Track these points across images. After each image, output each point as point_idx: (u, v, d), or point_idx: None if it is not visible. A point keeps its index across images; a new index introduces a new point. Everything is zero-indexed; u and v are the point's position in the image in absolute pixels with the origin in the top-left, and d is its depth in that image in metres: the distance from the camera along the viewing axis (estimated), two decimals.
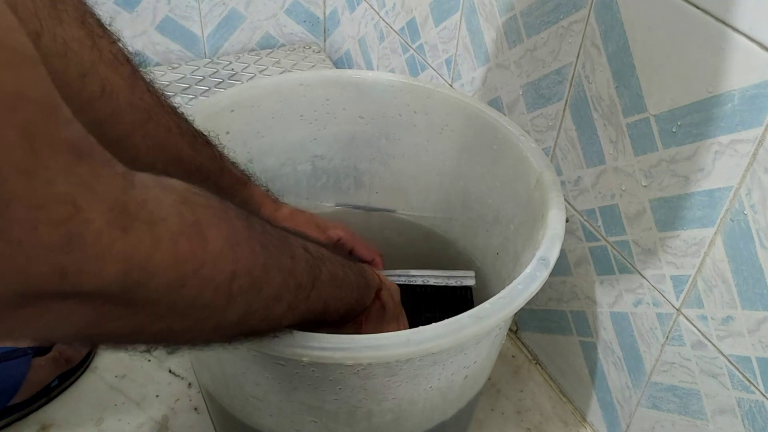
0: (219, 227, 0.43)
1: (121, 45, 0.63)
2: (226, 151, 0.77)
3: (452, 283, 0.90)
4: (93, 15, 0.60)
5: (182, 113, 0.72)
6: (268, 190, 0.83)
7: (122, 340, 0.43)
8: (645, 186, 0.76)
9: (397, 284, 0.77)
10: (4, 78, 0.29)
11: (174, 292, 0.40)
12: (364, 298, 0.67)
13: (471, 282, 0.90)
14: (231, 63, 1.62)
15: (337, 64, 1.69)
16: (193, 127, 0.72)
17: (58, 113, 0.32)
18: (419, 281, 0.90)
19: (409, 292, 0.86)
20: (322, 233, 0.86)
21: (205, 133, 0.74)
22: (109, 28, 0.62)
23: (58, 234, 0.31)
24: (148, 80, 0.66)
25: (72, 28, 0.57)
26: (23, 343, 0.94)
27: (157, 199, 0.38)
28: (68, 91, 0.56)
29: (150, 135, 0.66)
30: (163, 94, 0.69)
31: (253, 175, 0.81)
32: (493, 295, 0.63)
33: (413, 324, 0.85)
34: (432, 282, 0.90)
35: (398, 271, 0.89)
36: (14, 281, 0.31)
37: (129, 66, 0.63)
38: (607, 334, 0.89)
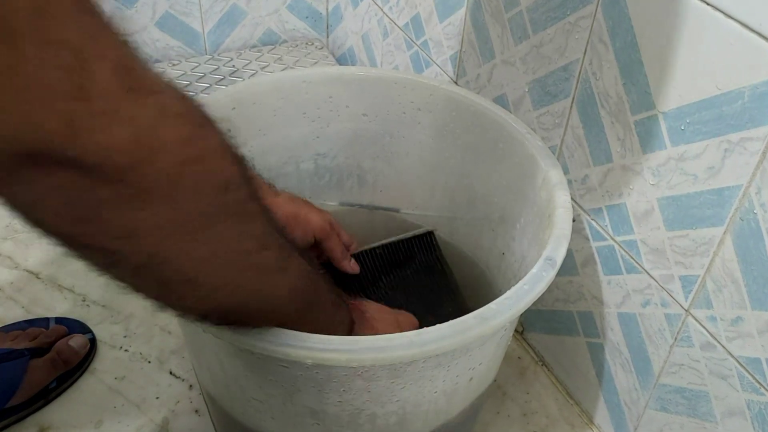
0: (215, 125, 0.44)
1: None
2: None
3: (415, 233, 0.99)
4: None
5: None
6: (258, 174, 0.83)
7: (111, 241, 0.42)
8: (653, 184, 0.76)
9: (369, 249, 0.88)
10: None
11: (175, 178, 0.40)
12: (341, 309, 0.68)
13: (430, 228, 1.00)
14: (232, 59, 1.62)
15: (340, 60, 1.69)
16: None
17: None
18: (386, 242, 0.98)
19: (381, 257, 0.96)
20: (304, 233, 0.85)
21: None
22: None
23: (67, 81, 0.32)
24: None
25: None
26: (21, 344, 0.95)
27: (157, 74, 0.39)
28: None
29: None
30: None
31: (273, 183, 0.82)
32: (499, 295, 0.63)
33: (399, 278, 0.89)
34: (396, 239, 0.98)
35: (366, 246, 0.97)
36: (25, 131, 0.32)
37: None
38: (614, 335, 0.89)
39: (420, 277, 0.98)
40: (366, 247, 0.96)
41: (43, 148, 0.33)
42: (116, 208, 0.39)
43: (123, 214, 0.40)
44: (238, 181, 0.46)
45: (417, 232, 0.99)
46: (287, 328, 0.58)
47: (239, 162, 0.47)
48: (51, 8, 0.31)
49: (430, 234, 1.00)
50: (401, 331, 0.76)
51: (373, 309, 0.77)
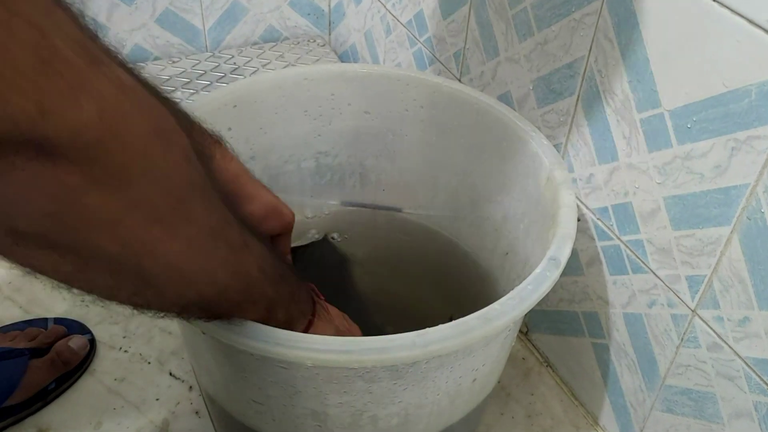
0: (165, 98, 0.45)
1: None
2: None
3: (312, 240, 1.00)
4: None
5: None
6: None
7: (94, 234, 0.41)
8: (659, 183, 0.76)
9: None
10: None
11: (144, 151, 0.39)
12: (300, 293, 0.67)
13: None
14: (233, 57, 1.62)
15: (342, 57, 1.69)
16: (147, 80, 0.71)
17: None
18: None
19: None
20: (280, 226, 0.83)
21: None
22: None
23: (32, 56, 0.31)
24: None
25: None
26: (20, 344, 0.95)
27: (109, 50, 0.39)
28: None
29: None
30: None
31: (223, 138, 0.78)
32: (503, 296, 0.63)
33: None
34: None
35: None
36: None
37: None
38: (620, 335, 0.89)
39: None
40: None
41: (8, 132, 0.32)
42: (87, 194, 0.38)
43: (95, 200, 0.38)
44: (190, 150, 0.45)
45: (312, 238, 1.00)
46: (263, 317, 0.58)
47: (186, 128, 0.47)
48: None
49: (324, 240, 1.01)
50: (347, 322, 0.76)
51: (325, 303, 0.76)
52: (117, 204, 0.39)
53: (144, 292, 0.47)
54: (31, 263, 0.42)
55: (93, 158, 0.36)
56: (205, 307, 0.54)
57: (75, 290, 0.44)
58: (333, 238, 1.01)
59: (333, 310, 0.75)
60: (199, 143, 0.73)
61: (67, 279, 0.43)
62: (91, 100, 0.35)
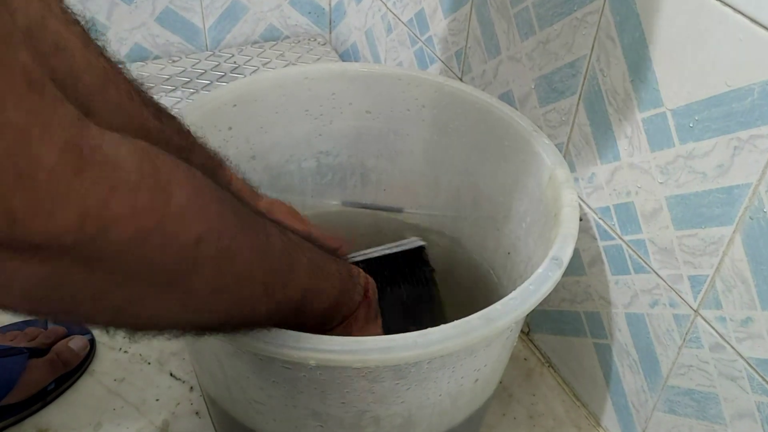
0: (183, 183, 0.42)
1: (68, 6, 0.59)
2: (225, 146, 0.77)
3: (406, 247, 0.94)
4: None
5: (141, 84, 0.68)
6: (244, 178, 0.81)
7: (83, 307, 0.41)
8: (661, 183, 0.77)
9: (357, 261, 0.81)
10: None
11: (134, 249, 0.38)
12: (349, 294, 0.67)
13: (421, 243, 0.95)
14: (233, 56, 1.62)
15: (343, 56, 1.69)
16: (155, 99, 0.69)
17: (13, 37, 0.31)
18: (377, 254, 0.92)
19: (370, 268, 0.89)
20: (302, 225, 0.82)
21: (168, 108, 0.72)
22: None
23: (7, 168, 0.30)
24: (100, 44, 0.63)
25: None
26: (20, 344, 0.95)
27: (113, 145, 0.36)
28: None
29: (112, 100, 0.63)
30: (118, 60, 0.65)
31: (226, 158, 0.79)
32: (504, 296, 0.63)
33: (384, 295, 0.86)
34: (386, 252, 0.93)
35: (354, 253, 0.91)
36: None
37: (80, 26, 0.60)
38: (622, 335, 0.89)
39: (406, 296, 0.95)
40: (360, 254, 0.92)
41: None
42: (75, 282, 0.38)
43: (85, 287, 0.38)
44: (216, 227, 0.45)
45: (407, 246, 0.95)
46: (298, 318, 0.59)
47: (218, 202, 0.45)
48: None
49: (421, 249, 0.95)
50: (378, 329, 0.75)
51: (375, 308, 0.75)
52: (104, 289, 0.40)
53: (149, 332, 0.49)
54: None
55: (75, 256, 0.36)
56: (216, 329, 0.55)
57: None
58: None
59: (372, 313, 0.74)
60: (196, 165, 0.73)
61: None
62: (70, 209, 0.33)
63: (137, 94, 0.67)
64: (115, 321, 0.44)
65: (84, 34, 0.60)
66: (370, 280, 0.73)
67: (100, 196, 0.35)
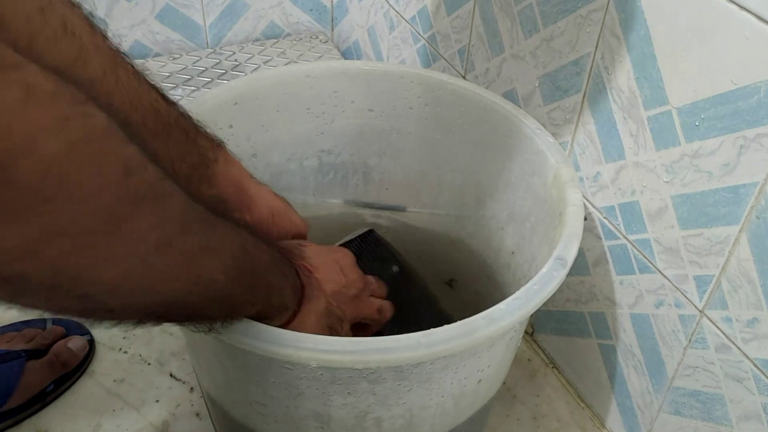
0: (97, 107, 0.38)
1: None
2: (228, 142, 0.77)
3: (358, 233, 0.97)
4: None
5: (143, 69, 0.68)
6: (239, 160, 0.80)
7: (6, 266, 0.36)
8: (667, 182, 0.77)
9: None
10: None
11: (63, 167, 0.35)
12: (279, 298, 0.64)
13: (366, 229, 0.98)
14: (234, 53, 1.62)
15: (345, 54, 1.69)
16: (157, 83, 0.69)
17: None
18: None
19: None
20: (287, 221, 0.81)
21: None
22: None
23: None
24: (102, 28, 0.62)
25: None
26: (18, 346, 0.95)
27: (37, 72, 0.34)
28: (31, 26, 0.52)
29: (122, 81, 0.63)
30: (119, 45, 0.65)
31: (224, 141, 0.78)
32: (508, 296, 0.63)
33: None
34: (344, 242, 0.96)
35: None
36: None
37: (82, 10, 0.59)
38: (627, 336, 0.89)
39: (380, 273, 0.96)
40: None
41: None
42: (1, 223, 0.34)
43: (10, 228, 0.34)
44: (138, 159, 0.41)
45: (359, 232, 0.98)
46: (237, 312, 0.57)
47: (132, 141, 0.42)
48: None
49: (370, 231, 0.98)
50: (343, 273, 0.75)
51: (313, 259, 0.73)
52: (37, 227, 0.35)
53: (89, 311, 0.45)
54: None
55: (1, 180, 0.33)
56: (162, 316, 0.51)
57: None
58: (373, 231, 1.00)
59: (313, 262, 0.72)
60: (201, 146, 0.74)
61: (10, 301, 0.40)
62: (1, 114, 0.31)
63: (144, 78, 0.68)
64: (56, 287, 0.40)
65: (88, 18, 0.60)
66: (309, 251, 0.72)
67: (18, 99, 0.33)
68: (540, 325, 1.08)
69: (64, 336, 0.99)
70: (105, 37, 0.62)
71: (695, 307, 0.77)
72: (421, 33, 1.27)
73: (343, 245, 0.95)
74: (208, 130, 0.76)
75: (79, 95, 0.37)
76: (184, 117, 0.72)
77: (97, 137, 0.37)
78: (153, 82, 0.69)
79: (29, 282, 0.38)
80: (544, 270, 0.66)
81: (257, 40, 1.69)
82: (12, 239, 0.35)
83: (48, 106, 0.34)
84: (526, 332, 1.10)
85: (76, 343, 0.98)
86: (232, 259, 0.54)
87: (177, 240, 0.46)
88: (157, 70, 1.53)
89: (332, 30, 1.75)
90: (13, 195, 0.33)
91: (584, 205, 0.77)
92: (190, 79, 1.51)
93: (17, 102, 0.32)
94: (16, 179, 0.33)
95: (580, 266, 0.95)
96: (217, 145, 0.76)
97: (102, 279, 0.41)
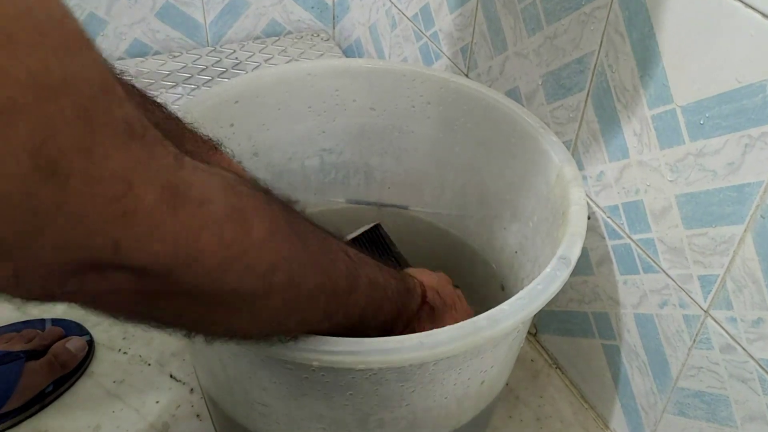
0: (263, 216, 0.47)
1: None
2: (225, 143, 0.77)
3: (365, 228, 0.97)
4: None
5: (122, 72, 0.70)
6: (240, 162, 0.82)
7: (165, 320, 0.47)
8: (671, 181, 0.77)
9: None
10: (64, 61, 0.32)
11: (217, 277, 0.43)
12: (408, 305, 0.69)
13: (373, 224, 0.98)
14: (235, 51, 1.62)
15: (347, 52, 1.69)
16: (138, 87, 0.71)
17: (113, 94, 0.35)
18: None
19: None
20: None
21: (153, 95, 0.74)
22: None
23: (113, 209, 0.35)
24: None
25: None
26: (16, 346, 0.95)
27: (204, 183, 0.41)
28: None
29: None
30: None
31: (221, 143, 0.80)
32: (511, 296, 0.63)
33: None
34: (351, 237, 0.96)
35: None
36: (75, 250, 0.35)
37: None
38: (631, 336, 0.89)
39: None
40: None
41: (92, 261, 0.37)
42: (165, 299, 0.43)
43: (172, 305, 0.44)
44: (288, 256, 0.49)
45: (366, 228, 0.99)
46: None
47: (290, 229, 0.50)
48: (98, 145, 0.33)
49: (377, 227, 0.99)
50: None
51: (440, 306, 0.77)
52: (186, 307, 0.45)
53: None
54: None
55: (166, 280, 0.41)
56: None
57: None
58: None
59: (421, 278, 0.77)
60: (190, 151, 0.73)
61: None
62: (165, 242, 0.38)
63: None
64: (193, 331, 0.50)
65: None
66: (426, 282, 0.75)
67: (193, 231, 0.40)
68: (543, 325, 1.08)
69: (63, 337, 0.99)
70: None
71: (700, 307, 0.77)
72: (424, 31, 1.27)
73: (350, 241, 0.95)
74: (199, 133, 0.76)
75: (252, 209, 0.46)
76: (168, 120, 0.73)
77: (250, 251, 0.46)
78: (129, 87, 0.69)
79: (181, 328, 0.50)
80: (547, 270, 0.66)
81: (258, 38, 1.69)
82: (174, 311, 0.46)
83: (215, 234, 0.42)
84: (529, 332, 1.10)
85: (75, 343, 0.98)
86: (366, 290, 0.62)
87: (323, 300, 0.56)
88: (156, 68, 1.53)
89: (334, 28, 1.75)
90: (175, 288, 0.43)
91: (588, 204, 0.77)
92: (190, 77, 1.51)
93: (191, 232, 0.40)
94: (177, 280, 0.42)
95: (583, 266, 0.95)
96: (211, 147, 0.76)
97: (240, 332, 0.53)
